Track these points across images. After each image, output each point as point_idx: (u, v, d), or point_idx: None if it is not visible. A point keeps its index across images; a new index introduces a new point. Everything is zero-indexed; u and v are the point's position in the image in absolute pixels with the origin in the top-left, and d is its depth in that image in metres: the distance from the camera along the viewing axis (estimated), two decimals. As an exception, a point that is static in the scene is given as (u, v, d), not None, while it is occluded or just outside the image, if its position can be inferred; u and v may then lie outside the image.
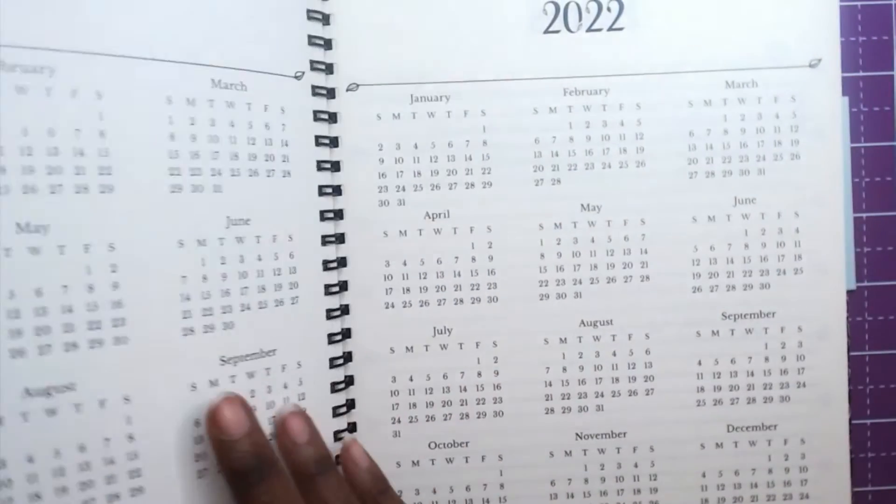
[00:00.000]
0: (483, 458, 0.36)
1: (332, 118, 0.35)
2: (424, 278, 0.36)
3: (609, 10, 0.36)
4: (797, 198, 0.36)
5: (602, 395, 0.36)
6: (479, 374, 0.36)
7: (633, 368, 0.36)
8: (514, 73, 0.36)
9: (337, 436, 0.35)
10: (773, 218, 0.36)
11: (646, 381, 0.36)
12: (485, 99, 0.36)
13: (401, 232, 0.35)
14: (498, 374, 0.36)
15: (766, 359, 0.37)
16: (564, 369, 0.36)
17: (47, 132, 0.26)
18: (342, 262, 0.35)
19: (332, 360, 0.35)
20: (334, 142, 0.35)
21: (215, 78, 0.30)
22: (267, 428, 0.31)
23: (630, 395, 0.36)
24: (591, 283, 0.36)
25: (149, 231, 0.29)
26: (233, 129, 0.31)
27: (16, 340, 0.26)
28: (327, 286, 0.34)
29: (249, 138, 0.31)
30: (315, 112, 0.34)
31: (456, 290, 0.36)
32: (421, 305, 0.36)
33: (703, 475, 0.37)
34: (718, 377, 0.37)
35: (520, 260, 0.36)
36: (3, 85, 0.26)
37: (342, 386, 0.35)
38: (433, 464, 0.36)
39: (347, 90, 0.35)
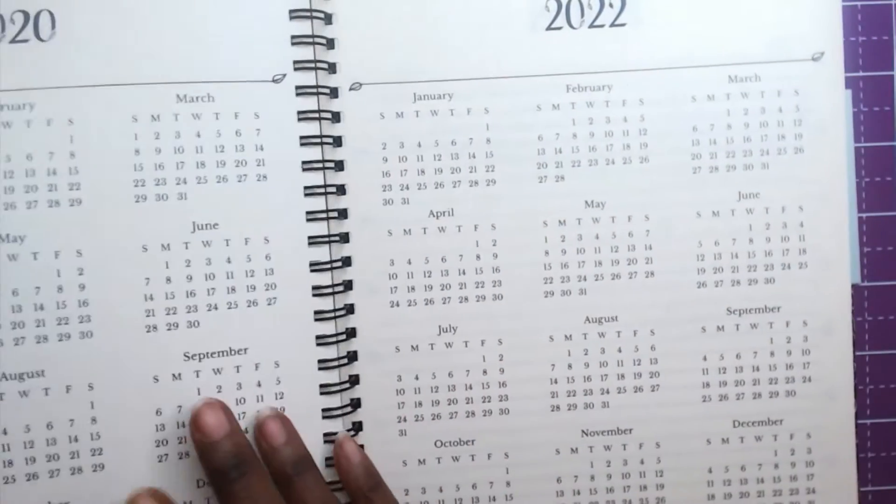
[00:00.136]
0: (489, 456, 0.36)
1: (336, 117, 0.35)
2: (429, 277, 0.36)
3: (611, 6, 0.36)
4: (801, 192, 0.36)
5: (607, 392, 0.36)
6: (485, 371, 0.36)
7: (639, 365, 0.36)
8: (516, 71, 0.36)
9: (329, 437, 0.35)
10: (778, 212, 0.36)
11: (651, 377, 0.36)
12: (488, 96, 0.36)
13: (405, 230, 0.35)
14: (503, 371, 0.36)
15: (772, 354, 0.37)
16: (570, 366, 0.36)
17: (26, 157, 0.32)
18: (347, 261, 0.35)
19: (323, 361, 0.35)
20: (337, 141, 0.35)
21: (180, 93, 0.33)
22: (242, 424, 0.33)
23: (636, 392, 0.36)
24: (596, 279, 0.36)
25: (113, 238, 0.32)
26: (199, 139, 0.33)
27: None
28: (318, 287, 0.34)
29: (217, 146, 0.33)
30: (301, 112, 0.34)
31: (460, 289, 0.36)
32: (426, 304, 0.36)
33: (710, 471, 0.37)
34: (724, 372, 0.37)
35: (524, 257, 0.36)
36: None
37: (346, 386, 0.35)
38: (439, 462, 0.36)
39: (350, 89, 0.35)
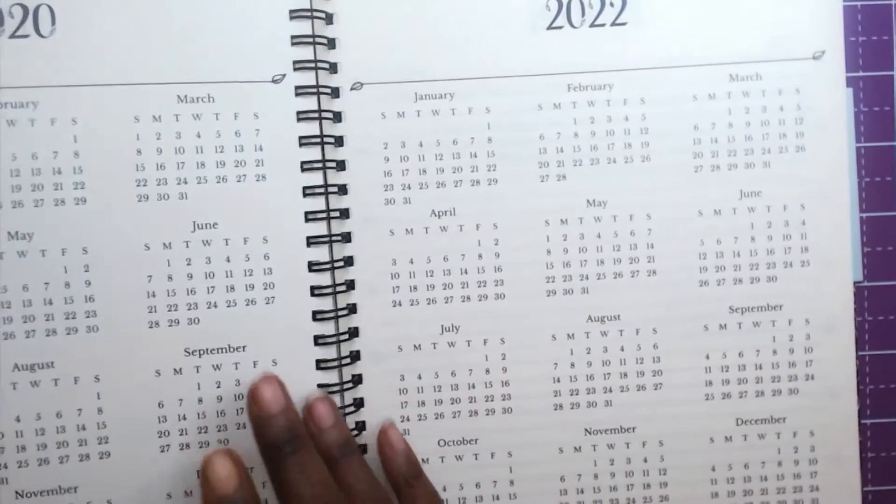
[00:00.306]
0: (492, 455, 0.36)
1: (337, 117, 0.35)
2: (431, 276, 0.36)
3: (612, 5, 0.36)
4: (803, 190, 0.36)
5: (610, 391, 0.36)
6: (488, 371, 0.36)
7: (641, 363, 0.36)
8: (517, 70, 0.36)
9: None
10: (779, 211, 0.36)
11: (654, 375, 0.36)
12: (489, 96, 0.36)
13: (407, 230, 0.35)
14: (506, 370, 0.36)
15: (774, 352, 0.37)
16: (572, 365, 0.36)
17: (31, 156, 0.32)
18: (349, 260, 0.35)
19: (321, 361, 0.35)
20: (339, 141, 0.35)
21: (181, 94, 0.33)
22: (240, 420, 0.34)
23: (638, 390, 0.36)
24: (598, 278, 0.36)
25: (117, 236, 0.33)
26: (199, 139, 0.34)
27: (7, 326, 0.32)
28: (316, 287, 0.35)
29: (217, 147, 0.34)
30: (300, 112, 0.34)
31: (463, 288, 0.36)
32: (428, 303, 0.36)
33: (713, 469, 0.37)
34: (726, 371, 0.37)
35: (526, 256, 0.36)
36: None
37: (349, 385, 0.35)
38: (443, 461, 0.36)
39: (352, 89, 0.35)
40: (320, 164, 0.35)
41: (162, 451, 0.33)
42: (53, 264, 0.33)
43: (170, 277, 0.33)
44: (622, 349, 0.36)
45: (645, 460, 0.37)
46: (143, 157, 0.33)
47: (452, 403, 0.36)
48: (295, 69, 0.34)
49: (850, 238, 0.37)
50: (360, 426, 0.35)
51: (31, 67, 0.32)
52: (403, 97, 0.35)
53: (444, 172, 0.36)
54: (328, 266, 0.35)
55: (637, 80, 0.36)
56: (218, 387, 0.34)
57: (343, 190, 0.35)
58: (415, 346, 0.36)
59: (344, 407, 0.35)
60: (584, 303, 0.36)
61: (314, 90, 0.35)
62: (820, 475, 0.37)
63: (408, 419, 0.36)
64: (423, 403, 0.36)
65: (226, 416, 0.34)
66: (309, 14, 0.34)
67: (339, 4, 0.35)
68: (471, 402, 0.36)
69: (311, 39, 0.34)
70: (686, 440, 0.37)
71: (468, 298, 0.36)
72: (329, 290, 0.35)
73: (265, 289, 0.34)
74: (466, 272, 0.36)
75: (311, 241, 0.35)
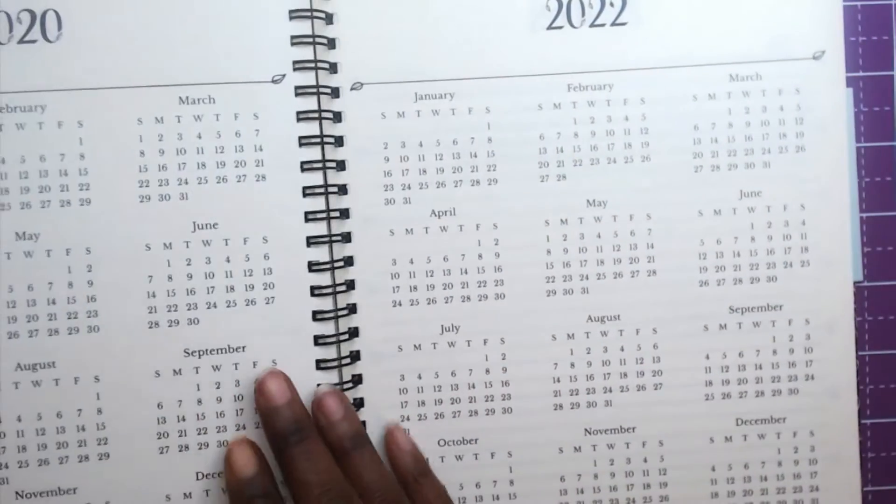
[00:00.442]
0: (492, 455, 0.36)
1: (337, 117, 0.35)
2: (431, 276, 0.36)
3: (612, 5, 0.36)
4: (803, 190, 0.36)
5: (610, 391, 0.36)
6: (488, 371, 0.36)
7: (641, 363, 0.36)
8: (517, 70, 0.36)
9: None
10: (779, 211, 0.36)
11: (654, 375, 0.36)
12: (489, 96, 0.36)
13: (407, 230, 0.35)
14: (506, 370, 0.36)
15: (774, 352, 0.37)
16: (572, 365, 0.36)
17: (39, 158, 0.33)
18: (349, 260, 0.35)
19: (320, 361, 0.35)
20: (339, 141, 0.35)
21: (182, 95, 0.34)
22: (240, 421, 0.34)
23: (638, 390, 0.36)
24: (598, 278, 0.36)
25: (119, 236, 0.33)
26: (200, 140, 0.34)
27: (12, 325, 0.33)
28: (316, 287, 0.35)
29: (218, 147, 0.34)
30: (300, 113, 0.34)
31: (463, 288, 0.36)
32: (428, 303, 0.36)
33: (713, 469, 0.37)
34: (726, 371, 0.37)
35: (526, 256, 0.36)
36: (7, 123, 0.33)
37: (349, 385, 0.35)
38: (443, 461, 0.36)
39: (352, 89, 0.35)
40: (320, 165, 0.35)
41: (161, 453, 0.34)
42: (58, 264, 0.33)
43: (170, 277, 0.34)
44: (622, 349, 0.36)
45: (645, 460, 0.37)
46: (145, 159, 0.33)
47: (452, 403, 0.36)
48: (295, 69, 0.34)
49: (850, 238, 0.37)
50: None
51: (38, 72, 0.33)
52: (403, 97, 0.35)
53: (445, 172, 0.36)
54: (328, 266, 0.35)
55: (637, 80, 0.36)
56: (217, 387, 0.34)
57: (343, 190, 0.35)
58: (415, 346, 0.36)
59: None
60: (584, 303, 0.36)
61: (314, 90, 0.35)
62: (820, 475, 0.37)
63: (408, 419, 0.36)
64: (423, 403, 0.36)
65: (225, 417, 0.34)
66: (309, 14, 0.34)
67: (339, 4, 0.35)
68: (471, 402, 0.36)
69: (310, 39, 0.34)
70: (686, 440, 0.37)
71: (468, 298, 0.36)
72: (329, 291, 0.35)
73: (265, 289, 0.34)
74: (466, 272, 0.36)
75: (311, 241, 0.35)
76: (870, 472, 0.38)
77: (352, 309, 0.35)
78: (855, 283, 0.38)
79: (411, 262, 0.36)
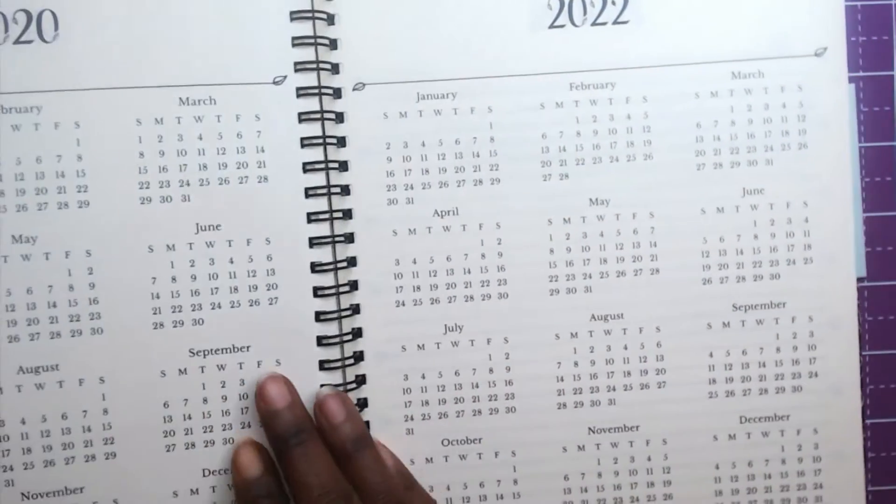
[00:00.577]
0: (496, 454, 0.36)
1: (339, 118, 0.35)
2: (434, 276, 0.36)
3: (613, 3, 0.36)
4: (805, 187, 0.36)
5: (614, 389, 0.36)
6: (491, 370, 0.36)
7: (645, 362, 0.36)
8: (519, 69, 0.36)
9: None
10: (782, 208, 0.36)
11: (657, 373, 0.36)
12: (491, 95, 0.36)
13: (410, 230, 0.36)
14: (509, 369, 0.36)
15: (778, 349, 0.37)
16: (576, 364, 0.36)
17: (35, 160, 0.33)
18: (352, 261, 0.35)
19: (324, 362, 0.35)
20: (341, 141, 0.35)
21: (182, 96, 0.34)
22: (244, 420, 0.35)
23: (642, 389, 0.36)
24: (601, 277, 0.36)
25: (121, 238, 0.33)
26: (201, 141, 0.34)
27: (12, 329, 0.32)
28: (319, 288, 0.35)
29: (219, 149, 0.34)
30: (302, 113, 0.34)
31: (466, 287, 0.36)
32: (431, 303, 0.36)
33: (717, 467, 0.37)
34: (730, 368, 0.37)
35: (529, 255, 0.36)
36: (2, 125, 0.32)
37: (353, 385, 0.35)
38: (447, 461, 0.36)
39: (354, 89, 0.35)
40: (323, 165, 0.35)
41: (168, 451, 0.34)
42: (57, 267, 0.33)
43: (174, 279, 0.34)
44: (625, 348, 0.36)
45: (649, 459, 0.37)
46: (145, 160, 0.33)
47: (456, 403, 0.36)
48: (296, 70, 0.34)
49: (853, 234, 0.37)
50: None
51: (34, 72, 0.32)
52: (406, 97, 0.35)
53: (447, 172, 0.36)
54: (331, 267, 0.35)
55: (639, 78, 0.36)
56: (222, 387, 0.34)
57: (346, 190, 0.35)
58: (418, 345, 0.36)
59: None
60: (588, 301, 0.36)
61: (316, 91, 0.35)
62: (824, 472, 0.37)
63: (412, 419, 0.36)
64: (427, 403, 0.36)
65: (230, 416, 0.34)
66: (310, 15, 0.34)
67: (340, 5, 0.35)
68: (474, 401, 0.36)
69: (312, 40, 0.34)
70: (690, 438, 0.37)
71: (471, 298, 0.36)
72: (332, 291, 0.35)
73: (268, 290, 0.34)
74: (469, 272, 0.36)
75: (314, 242, 0.35)
76: (870, 472, 0.38)
77: (355, 309, 0.35)
78: (858, 279, 0.38)
79: (414, 262, 0.36)
